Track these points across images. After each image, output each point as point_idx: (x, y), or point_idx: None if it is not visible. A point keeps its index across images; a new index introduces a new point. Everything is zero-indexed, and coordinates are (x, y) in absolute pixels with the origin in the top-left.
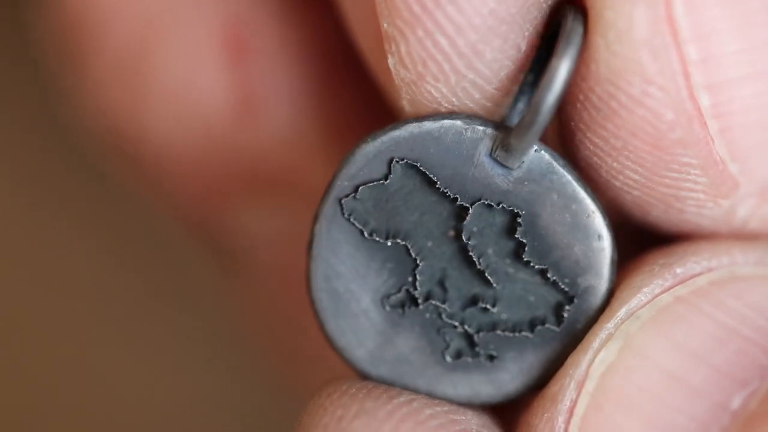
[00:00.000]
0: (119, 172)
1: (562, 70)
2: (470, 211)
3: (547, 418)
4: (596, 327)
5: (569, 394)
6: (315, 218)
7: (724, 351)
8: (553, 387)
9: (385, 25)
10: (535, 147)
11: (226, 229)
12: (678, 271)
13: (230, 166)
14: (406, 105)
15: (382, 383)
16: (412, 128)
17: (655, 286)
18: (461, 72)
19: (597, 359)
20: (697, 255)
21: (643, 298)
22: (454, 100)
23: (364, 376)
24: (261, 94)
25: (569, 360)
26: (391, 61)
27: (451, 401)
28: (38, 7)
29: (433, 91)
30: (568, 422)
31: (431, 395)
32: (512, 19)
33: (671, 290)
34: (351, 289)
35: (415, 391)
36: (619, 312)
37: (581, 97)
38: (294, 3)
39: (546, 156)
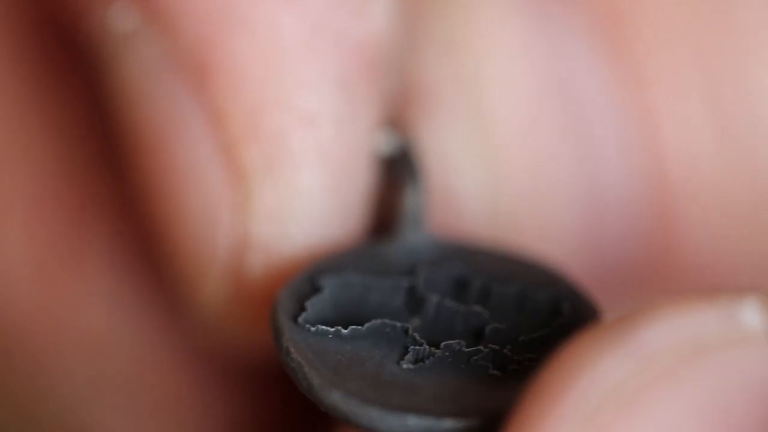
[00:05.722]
0: None
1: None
2: (417, 275)
3: None
4: (556, 409)
5: None
6: (285, 351)
7: (709, 430)
8: None
9: (261, 231)
10: (428, 234)
11: None
12: (642, 344)
13: None
14: (241, 312)
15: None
16: (317, 261)
17: (619, 362)
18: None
19: None
20: (660, 323)
21: (607, 379)
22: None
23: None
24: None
25: None
26: (252, 265)
27: None
28: None
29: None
30: None
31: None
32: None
33: (638, 367)
34: (368, 369)
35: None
36: (579, 394)
37: None
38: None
39: (444, 236)
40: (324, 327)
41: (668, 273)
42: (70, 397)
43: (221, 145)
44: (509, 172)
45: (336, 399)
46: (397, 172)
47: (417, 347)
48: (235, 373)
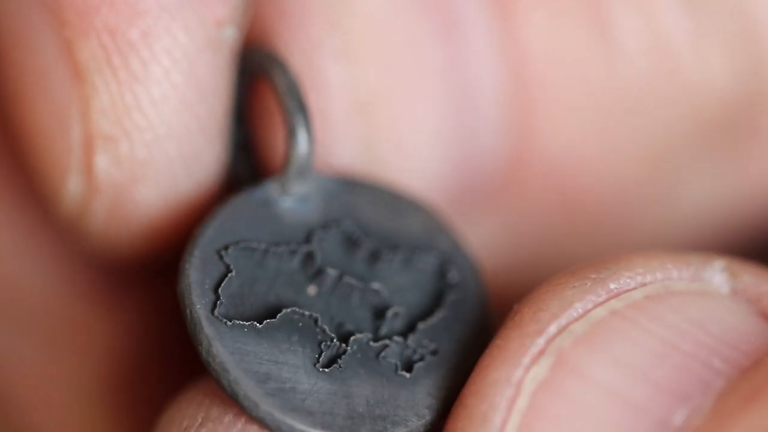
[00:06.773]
0: None
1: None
2: (313, 240)
3: None
4: (524, 338)
5: (500, 413)
6: (206, 349)
7: (665, 366)
8: (481, 405)
9: (107, 124)
10: (315, 174)
11: None
12: (612, 286)
13: None
14: (100, 210)
15: None
16: (214, 221)
17: (588, 301)
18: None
19: (528, 376)
20: (630, 270)
21: (574, 313)
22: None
23: None
24: None
25: (496, 375)
26: (102, 161)
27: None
28: None
29: (146, 191)
30: None
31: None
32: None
33: (605, 305)
34: (287, 378)
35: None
36: (550, 326)
37: None
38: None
39: (330, 177)
40: (239, 321)
41: (527, 173)
42: None
43: (63, 44)
44: (380, 90)
45: (261, 414)
46: (285, 106)
47: (328, 342)
48: (131, 289)
